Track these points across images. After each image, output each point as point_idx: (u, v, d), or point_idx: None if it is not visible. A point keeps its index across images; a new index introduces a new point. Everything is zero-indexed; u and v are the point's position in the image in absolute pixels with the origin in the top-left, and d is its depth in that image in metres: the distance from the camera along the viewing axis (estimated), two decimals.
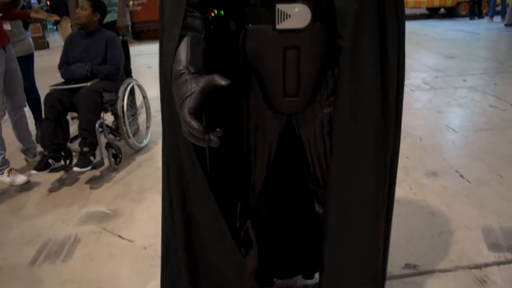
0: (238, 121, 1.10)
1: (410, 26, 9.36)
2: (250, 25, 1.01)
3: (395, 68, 1.05)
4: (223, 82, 0.86)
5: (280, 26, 0.97)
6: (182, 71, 0.91)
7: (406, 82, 4.73)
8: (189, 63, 0.92)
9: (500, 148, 2.95)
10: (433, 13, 11.13)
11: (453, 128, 3.39)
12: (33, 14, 3.04)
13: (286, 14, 0.96)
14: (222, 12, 1.02)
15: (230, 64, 1.05)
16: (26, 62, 3.50)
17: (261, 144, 1.15)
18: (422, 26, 9.50)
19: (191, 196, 1.09)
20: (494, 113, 3.67)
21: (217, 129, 0.88)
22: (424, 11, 11.53)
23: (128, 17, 3.71)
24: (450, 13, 10.89)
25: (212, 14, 1.03)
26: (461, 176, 2.58)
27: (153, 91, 4.78)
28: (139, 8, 9.91)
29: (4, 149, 2.93)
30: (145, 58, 7.37)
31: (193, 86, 0.88)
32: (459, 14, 10.64)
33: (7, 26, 3.22)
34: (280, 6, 0.95)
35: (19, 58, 3.18)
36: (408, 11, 11.66)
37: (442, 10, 11.30)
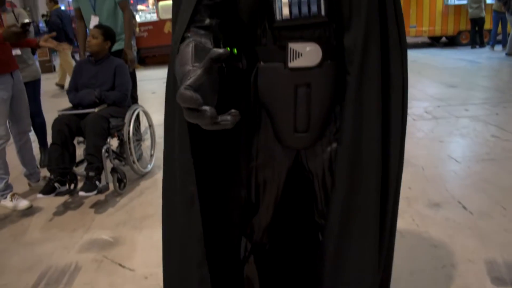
0: (247, 157, 1.12)
1: (412, 55, 9.46)
2: (262, 63, 1.04)
3: (399, 101, 1.08)
4: (220, 50, 0.78)
5: (292, 64, 1.01)
6: (188, 68, 0.85)
7: (408, 111, 4.77)
8: (194, 63, 0.87)
9: (502, 179, 2.95)
10: (434, 42, 11.28)
11: (456, 158, 3.40)
12: (42, 43, 3.11)
13: (298, 53, 1.00)
14: (235, 51, 1.05)
15: (241, 101, 1.07)
16: (33, 87, 3.56)
17: (270, 180, 1.17)
18: (423, 54, 9.62)
19: (180, 233, 1.09)
20: (496, 143, 3.68)
21: (233, 110, 0.79)
22: (426, 39, 11.69)
23: (134, 43, 3.79)
24: (452, 42, 11.02)
25: None
26: (464, 207, 2.57)
27: (157, 116, 4.81)
28: (145, 34, 10.11)
29: (7, 173, 2.96)
30: (149, 84, 7.46)
31: (194, 70, 0.81)
32: (460, 43, 10.77)
33: (16, 51, 3.29)
34: (292, 45, 1.00)
35: (26, 83, 3.24)
36: (409, 40, 11.81)
37: (444, 39, 11.45)
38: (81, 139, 3.06)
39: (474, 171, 3.14)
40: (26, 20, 2.94)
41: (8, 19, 3.54)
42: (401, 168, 1.17)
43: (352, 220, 1.08)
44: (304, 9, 0.96)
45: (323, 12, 0.98)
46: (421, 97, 5.58)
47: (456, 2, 10.43)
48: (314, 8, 0.97)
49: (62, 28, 7.01)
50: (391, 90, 1.05)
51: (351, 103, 1.01)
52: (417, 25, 10.44)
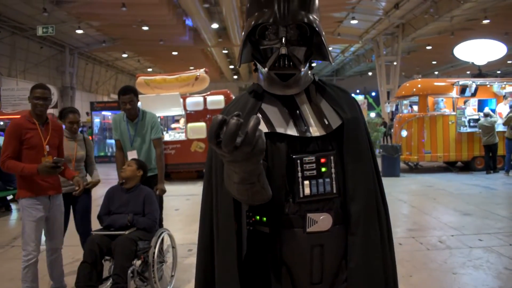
0: None
1: (428, 180, 9.75)
2: (284, 228, 1.33)
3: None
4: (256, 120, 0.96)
5: (309, 229, 1.32)
6: None
7: (422, 240, 4.89)
8: None
9: None
10: (449, 167, 11.59)
11: None
12: (74, 181, 3.45)
13: (314, 221, 1.32)
14: (265, 219, 1.35)
15: (266, 258, 1.34)
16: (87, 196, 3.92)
17: None
18: (439, 180, 9.85)
19: None
20: (510, 277, 3.73)
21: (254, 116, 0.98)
22: (441, 163, 12.03)
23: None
24: (467, 167, 11.32)
25: (253, 219, 1.36)
26: None
27: (180, 235, 5.05)
28: (173, 151, 10.83)
29: (36, 287, 3.15)
30: (173, 200, 7.72)
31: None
32: (475, 168, 11.04)
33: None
34: (310, 215, 1.32)
35: (67, 194, 3.63)
36: (425, 164, 12.19)
37: (459, 163, 11.77)
38: (107, 257, 3.29)
39: None
40: (62, 158, 3.33)
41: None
42: None
43: None
44: (321, 189, 1.32)
45: (334, 190, 1.33)
46: (436, 225, 5.71)
47: (469, 130, 10.97)
48: (328, 188, 1.32)
49: None
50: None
51: (358, 259, 1.31)
52: (431, 151, 10.86)
